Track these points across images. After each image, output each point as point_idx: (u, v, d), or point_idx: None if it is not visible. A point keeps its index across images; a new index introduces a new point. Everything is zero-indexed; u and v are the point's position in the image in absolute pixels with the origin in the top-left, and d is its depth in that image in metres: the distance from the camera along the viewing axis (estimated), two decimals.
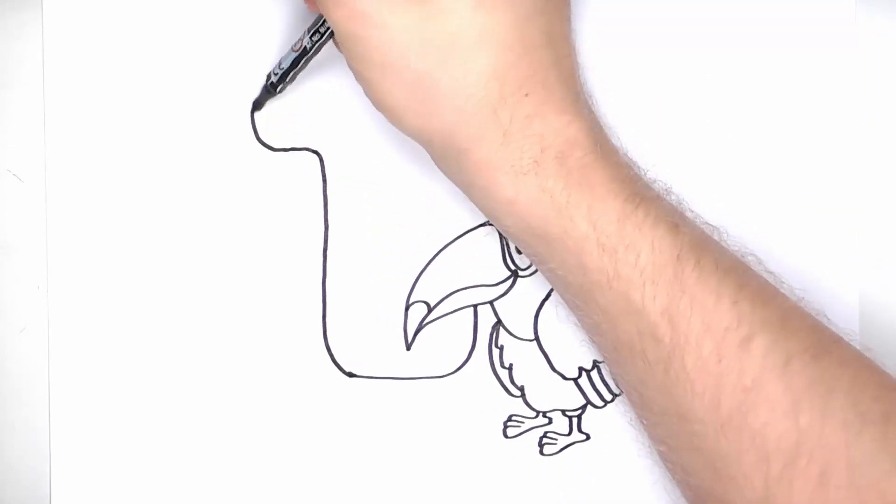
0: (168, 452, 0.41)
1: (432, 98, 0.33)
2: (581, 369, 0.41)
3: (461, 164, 0.34)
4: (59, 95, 0.41)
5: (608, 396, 0.42)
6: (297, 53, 0.38)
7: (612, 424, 0.42)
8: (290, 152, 0.42)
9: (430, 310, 0.41)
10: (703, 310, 0.32)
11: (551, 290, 0.41)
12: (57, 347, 0.41)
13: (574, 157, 0.33)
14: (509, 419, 0.42)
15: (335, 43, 0.37)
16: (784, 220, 0.41)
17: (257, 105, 0.41)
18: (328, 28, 0.37)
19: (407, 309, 0.42)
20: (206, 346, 0.41)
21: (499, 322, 0.42)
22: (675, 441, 0.34)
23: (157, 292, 0.41)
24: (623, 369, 0.35)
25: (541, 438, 0.42)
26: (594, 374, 0.41)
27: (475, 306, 0.42)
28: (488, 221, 0.42)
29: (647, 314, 0.33)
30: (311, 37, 0.37)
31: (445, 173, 0.36)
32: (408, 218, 0.42)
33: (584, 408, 0.42)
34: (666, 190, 0.36)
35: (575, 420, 0.42)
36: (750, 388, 0.32)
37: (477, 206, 0.36)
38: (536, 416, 0.42)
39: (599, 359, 0.41)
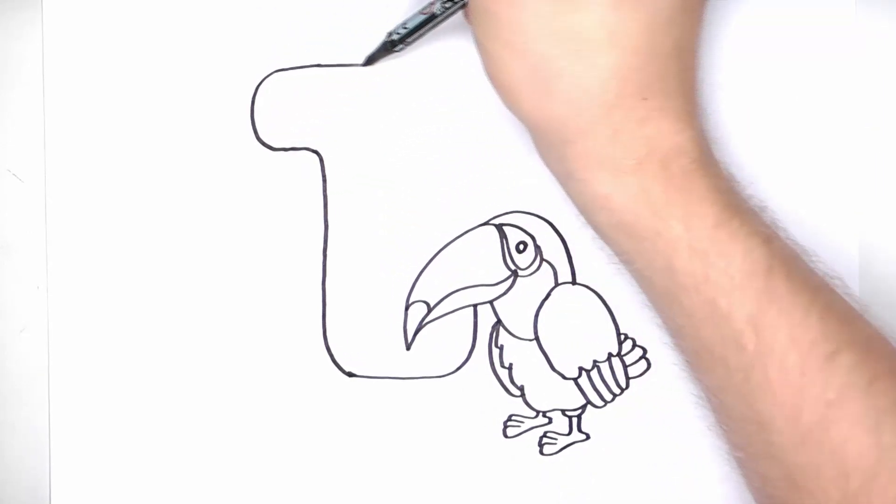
0: (168, 452, 0.41)
1: (551, 86, 0.33)
2: (581, 369, 0.41)
3: (564, 154, 0.34)
4: (59, 95, 0.41)
5: (608, 396, 0.42)
6: (424, 17, 0.38)
7: (612, 424, 0.42)
8: (290, 152, 0.42)
9: (429, 310, 0.41)
10: (791, 322, 0.32)
11: (551, 290, 0.42)
12: (57, 347, 0.41)
13: (678, 163, 0.33)
14: (509, 419, 0.42)
15: (465, 14, 0.37)
16: (783, 220, 0.41)
17: (370, 60, 0.41)
18: None
19: (407, 309, 0.42)
20: (206, 346, 0.41)
21: (499, 322, 0.42)
22: (752, 449, 0.34)
23: (157, 292, 0.41)
24: (704, 374, 0.35)
25: (541, 438, 0.42)
26: (594, 373, 0.41)
27: (475, 306, 0.42)
28: (488, 221, 0.42)
29: (732, 321, 0.33)
30: (442, 3, 0.37)
31: (544, 159, 0.36)
32: (408, 218, 0.42)
33: (583, 408, 0.42)
34: (761, 207, 0.36)
35: (575, 420, 0.42)
36: (833, 403, 0.32)
37: (570, 197, 0.36)
38: (536, 416, 0.42)
39: (599, 359, 0.41)
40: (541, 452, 0.42)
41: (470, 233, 0.42)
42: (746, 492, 0.41)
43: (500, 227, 0.42)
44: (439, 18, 0.38)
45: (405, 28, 0.39)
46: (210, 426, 0.41)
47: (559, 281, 0.42)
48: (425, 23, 0.39)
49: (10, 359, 0.42)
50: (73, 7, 0.41)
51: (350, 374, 0.42)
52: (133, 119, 0.41)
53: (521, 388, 0.42)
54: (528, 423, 0.42)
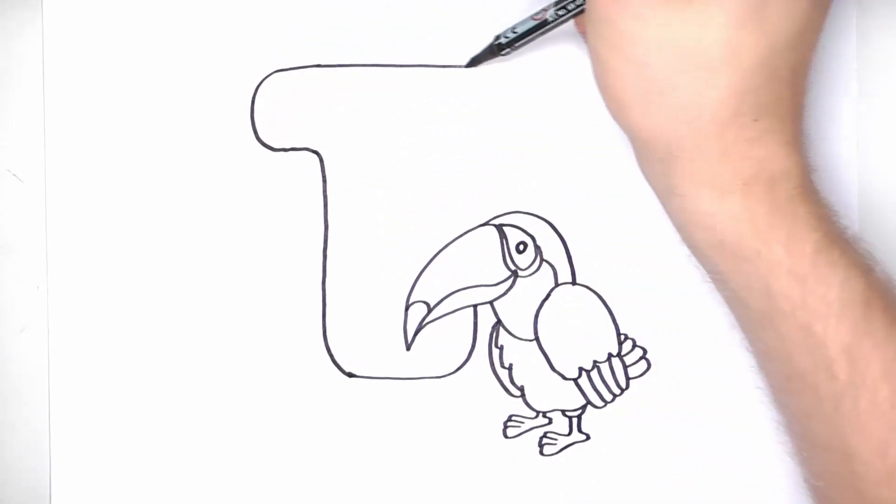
0: (168, 452, 0.41)
1: (664, 100, 0.33)
2: (581, 369, 0.41)
3: (669, 170, 0.34)
4: (59, 95, 0.41)
5: (608, 397, 0.42)
6: (536, 23, 0.38)
7: (612, 425, 0.42)
8: (290, 152, 0.42)
9: (430, 310, 0.41)
10: (885, 355, 0.32)
11: (551, 290, 0.41)
12: (57, 347, 0.41)
13: (784, 187, 0.33)
14: (509, 419, 0.42)
15: (577, 22, 0.37)
16: None
17: (474, 62, 0.41)
18: (578, 6, 0.37)
19: (407, 309, 0.42)
20: (206, 346, 0.41)
21: (499, 322, 0.42)
22: (834, 478, 0.34)
23: (157, 292, 0.41)
24: (790, 399, 0.35)
25: (541, 439, 0.42)
26: (594, 374, 0.41)
27: (475, 306, 0.42)
28: (488, 221, 0.42)
29: (827, 348, 0.32)
30: (556, 10, 0.37)
31: (645, 173, 0.36)
32: (408, 218, 0.42)
33: (584, 408, 0.42)
34: (857, 238, 0.36)
35: (575, 420, 0.42)
36: None
37: (668, 212, 0.36)
38: (536, 417, 0.42)
39: (599, 359, 0.41)
40: (541, 453, 0.42)
41: (470, 233, 0.42)
42: (746, 492, 0.41)
43: (500, 228, 0.42)
44: (551, 25, 0.38)
45: (514, 32, 0.39)
46: (210, 426, 0.41)
47: (559, 281, 0.42)
48: (535, 29, 0.38)
49: (10, 359, 0.42)
50: (73, 7, 0.41)
51: (350, 375, 0.42)
52: (133, 119, 0.41)
53: (521, 389, 0.42)
54: (528, 424, 0.42)
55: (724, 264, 0.34)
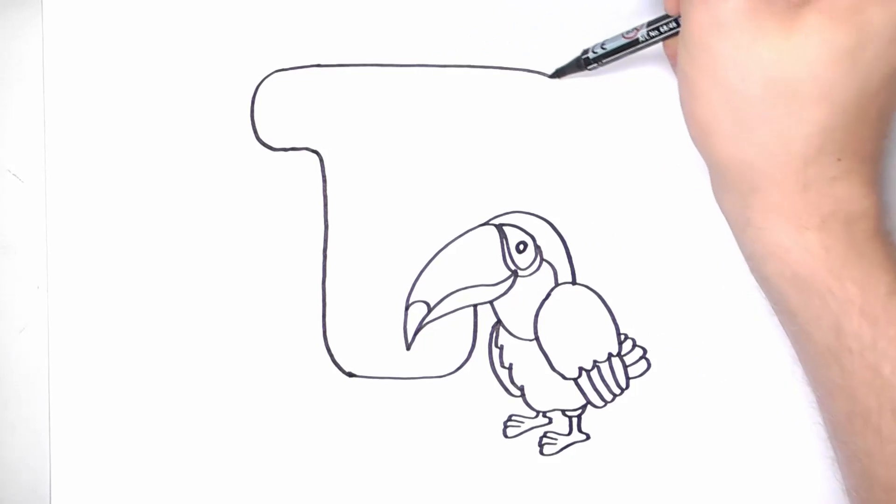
0: (168, 452, 0.41)
1: (750, 130, 0.33)
2: (581, 369, 0.41)
3: (747, 201, 0.34)
4: (59, 95, 0.41)
5: (608, 396, 0.42)
6: (626, 41, 0.38)
7: (612, 424, 0.42)
8: (290, 152, 0.42)
9: (430, 310, 0.41)
10: None
11: (551, 290, 0.41)
12: (57, 347, 0.41)
13: (860, 226, 0.33)
14: (509, 419, 0.42)
15: (666, 45, 0.37)
16: None
17: (559, 74, 0.41)
18: (671, 29, 0.37)
19: (407, 309, 0.42)
20: (206, 346, 0.41)
21: (499, 322, 0.42)
22: None
23: (156, 292, 0.41)
24: (851, 438, 0.35)
25: (541, 438, 0.42)
26: (594, 374, 0.41)
27: (475, 306, 0.42)
28: (488, 221, 0.42)
29: (894, 389, 0.33)
30: (648, 31, 0.37)
31: (720, 200, 0.36)
32: (408, 218, 0.42)
33: (583, 408, 0.42)
34: None
35: (575, 420, 0.42)
36: None
37: (741, 242, 0.36)
38: (536, 416, 0.42)
39: (599, 359, 0.41)
40: (541, 452, 0.42)
41: (470, 233, 0.42)
42: (745, 491, 0.41)
43: (500, 227, 0.42)
44: (641, 45, 0.38)
45: (603, 48, 0.39)
46: (210, 426, 0.41)
47: (559, 281, 0.42)
48: (625, 47, 0.38)
49: (10, 359, 0.42)
50: (73, 7, 0.41)
51: (350, 375, 0.42)
52: (133, 119, 0.41)
53: (521, 389, 0.42)
54: (528, 424, 0.42)
55: (795, 298, 0.34)
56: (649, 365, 0.42)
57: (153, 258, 0.41)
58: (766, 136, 0.33)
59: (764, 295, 0.36)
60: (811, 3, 0.31)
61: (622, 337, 0.42)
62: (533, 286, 0.42)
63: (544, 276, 0.42)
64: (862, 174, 0.33)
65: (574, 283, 0.42)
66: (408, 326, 0.42)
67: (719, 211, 0.41)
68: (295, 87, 0.41)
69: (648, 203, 0.42)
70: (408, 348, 0.42)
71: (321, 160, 0.42)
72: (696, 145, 0.35)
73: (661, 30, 0.37)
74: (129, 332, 0.41)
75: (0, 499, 0.42)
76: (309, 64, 0.42)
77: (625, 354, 0.42)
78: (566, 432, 0.42)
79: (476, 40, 0.42)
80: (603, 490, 0.42)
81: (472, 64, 0.42)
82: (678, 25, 0.35)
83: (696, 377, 0.42)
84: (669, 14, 0.37)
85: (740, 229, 0.35)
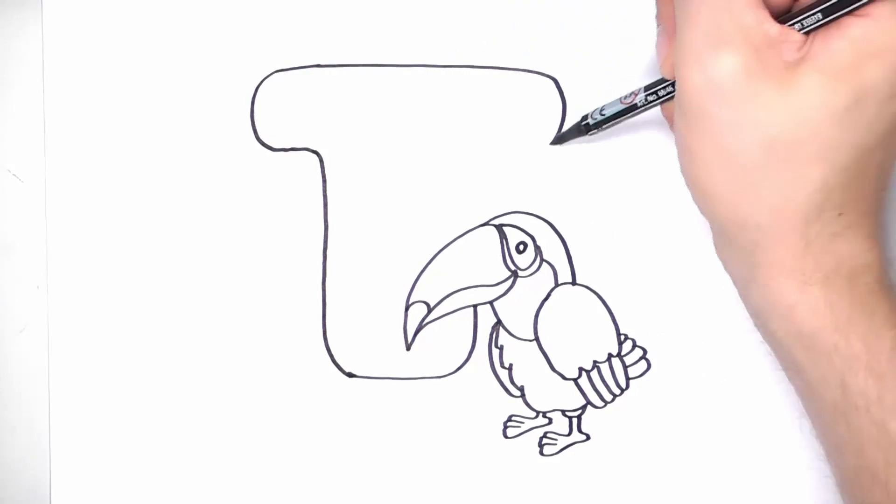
0: (168, 452, 0.41)
1: (751, 191, 0.33)
2: (581, 369, 0.41)
3: (750, 259, 0.34)
4: (59, 95, 0.41)
5: (608, 397, 0.42)
6: (625, 106, 0.38)
7: (612, 425, 0.42)
8: (290, 152, 0.42)
9: (429, 310, 0.41)
10: None
11: (551, 290, 0.41)
12: (57, 347, 0.41)
13: (864, 280, 0.33)
14: (509, 419, 0.42)
15: (663, 108, 0.37)
16: None
17: (560, 140, 0.41)
18: (669, 93, 0.36)
19: (407, 309, 0.42)
20: (206, 347, 0.41)
21: (499, 322, 0.42)
22: None
23: (156, 292, 0.41)
24: (860, 493, 0.35)
25: (541, 439, 0.42)
26: (594, 374, 0.41)
27: (475, 306, 0.42)
28: (488, 221, 0.42)
29: None
30: (646, 95, 0.37)
31: (723, 258, 0.36)
32: (408, 218, 0.42)
33: (583, 408, 0.42)
34: None
35: (575, 420, 0.42)
36: None
37: (745, 300, 0.36)
38: (536, 417, 0.42)
39: (599, 359, 0.41)
40: (541, 453, 0.42)
41: (470, 233, 0.42)
42: (745, 491, 0.41)
43: (500, 228, 0.42)
44: (640, 110, 0.38)
45: (602, 115, 0.39)
46: (210, 426, 0.41)
47: (559, 281, 0.42)
48: (624, 112, 0.38)
49: (10, 359, 0.42)
50: (73, 7, 0.41)
51: (350, 375, 0.42)
52: (133, 119, 0.41)
53: (521, 389, 0.42)
54: (528, 424, 0.42)
55: (801, 355, 0.34)
56: (649, 365, 0.42)
57: (153, 258, 0.41)
58: (767, 195, 0.32)
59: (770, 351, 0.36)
60: (808, 61, 0.31)
61: (622, 337, 0.42)
62: (533, 286, 0.42)
63: (544, 277, 0.41)
64: (864, 228, 0.33)
65: (574, 283, 0.42)
66: (408, 327, 0.42)
67: None
68: (295, 87, 0.41)
69: (649, 203, 0.42)
70: (408, 348, 0.42)
71: (321, 160, 0.42)
72: (698, 206, 0.35)
73: (659, 94, 0.37)
74: (129, 332, 0.41)
75: (0, 499, 0.42)
76: (309, 64, 0.42)
77: (625, 355, 0.42)
78: (566, 432, 0.42)
79: (477, 40, 0.42)
80: (603, 490, 0.42)
81: (472, 64, 0.42)
82: (674, 89, 0.35)
83: (696, 377, 0.42)
84: (666, 78, 0.36)
85: (744, 287, 0.35)
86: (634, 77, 0.41)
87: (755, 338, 0.41)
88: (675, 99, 0.34)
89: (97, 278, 0.41)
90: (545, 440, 0.42)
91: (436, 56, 0.42)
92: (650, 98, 0.37)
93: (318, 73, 0.42)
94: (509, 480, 0.42)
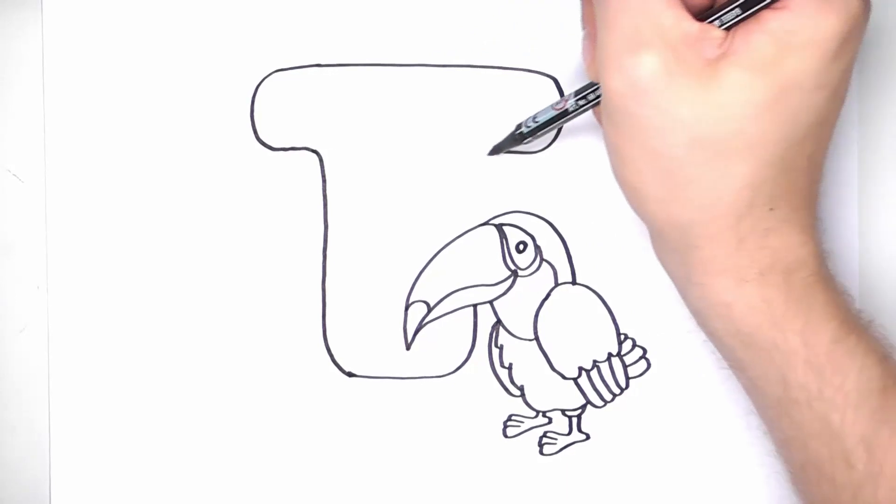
0: (168, 452, 0.41)
1: (681, 191, 0.33)
2: (581, 369, 0.41)
3: (685, 259, 0.34)
4: (59, 95, 0.41)
5: (608, 396, 0.42)
6: (556, 112, 0.38)
7: (612, 424, 0.42)
8: (290, 152, 0.42)
9: (429, 309, 0.41)
10: None
11: (551, 290, 0.41)
12: (57, 347, 0.41)
13: (799, 275, 0.33)
14: (509, 419, 0.42)
15: (595, 112, 0.37)
16: None
17: (497, 150, 0.41)
18: (598, 96, 0.36)
19: (407, 309, 0.42)
20: (206, 346, 0.41)
21: (498, 322, 0.42)
22: None
23: (157, 292, 0.41)
24: (808, 488, 0.35)
25: (541, 438, 0.42)
26: (594, 373, 0.41)
27: (475, 306, 0.42)
28: (488, 221, 0.42)
29: (844, 438, 0.32)
30: (576, 100, 0.37)
31: (661, 260, 0.36)
32: (408, 218, 0.42)
33: (583, 408, 0.42)
34: (869, 321, 0.35)
35: (575, 420, 0.42)
36: None
37: (685, 300, 0.36)
38: (536, 416, 0.42)
39: (599, 359, 0.41)
40: (541, 452, 0.42)
41: (470, 233, 0.42)
42: (745, 491, 0.41)
43: (500, 227, 0.42)
44: (571, 115, 0.38)
45: (535, 122, 0.39)
46: (210, 426, 0.41)
47: (559, 281, 0.42)
48: (556, 118, 0.38)
49: (10, 359, 0.42)
50: (73, 7, 0.41)
51: (350, 374, 0.42)
52: (133, 119, 0.41)
53: (521, 388, 0.42)
54: (528, 423, 0.42)
55: (742, 353, 0.34)
56: (649, 365, 0.42)
57: (153, 258, 0.41)
58: (697, 194, 0.32)
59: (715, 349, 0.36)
60: (729, 57, 0.31)
61: (622, 337, 0.42)
62: (533, 286, 0.42)
63: (544, 276, 0.42)
64: (797, 222, 0.33)
65: (574, 283, 0.42)
66: (408, 326, 0.42)
67: None
68: (295, 87, 0.41)
69: None
70: (408, 348, 0.42)
71: (321, 160, 0.42)
72: (631, 207, 0.35)
73: (588, 98, 0.37)
74: (129, 332, 0.41)
75: (0, 499, 0.42)
76: (309, 64, 0.42)
77: (625, 354, 0.42)
78: (566, 432, 0.42)
79: (476, 40, 0.42)
80: (603, 490, 0.42)
81: (472, 64, 0.42)
82: None
83: (696, 377, 0.42)
84: (593, 81, 0.36)
85: (682, 287, 0.35)
86: None
87: None
88: (600, 102, 0.34)
89: (97, 278, 0.41)
90: (545, 440, 0.42)
91: (436, 56, 0.42)
92: (580, 103, 0.37)
93: (318, 73, 0.42)
94: (509, 480, 0.42)
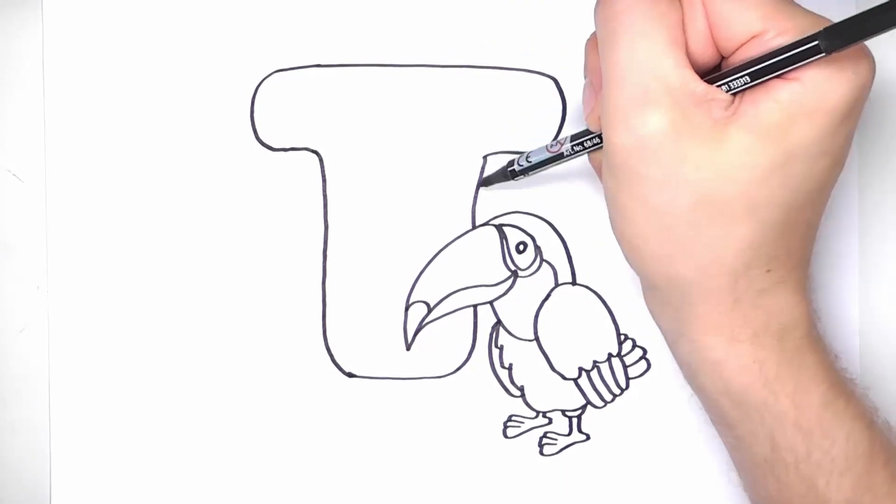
0: (168, 452, 0.41)
1: (680, 248, 0.32)
2: (581, 369, 0.41)
3: (680, 314, 0.34)
4: (59, 95, 0.41)
5: (608, 397, 0.42)
6: (551, 155, 0.38)
7: (612, 424, 0.42)
8: (290, 152, 0.42)
9: (429, 310, 0.41)
10: None
11: (551, 290, 0.41)
12: (57, 347, 0.41)
13: (791, 336, 0.33)
14: (509, 419, 0.42)
15: (591, 158, 0.37)
16: None
17: (486, 183, 0.41)
18: (595, 144, 0.36)
19: (407, 309, 0.42)
20: (206, 347, 0.41)
21: (499, 322, 0.42)
22: None
23: (156, 292, 0.41)
24: None
25: (541, 439, 0.42)
26: (594, 374, 0.41)
27: (475, 306, 0.42)
28: (488, 221, 0.42)
29: (828, 502, 0.33)
30: (573, 146, 0.37)
31: (653, 312, 0.36)
32: (408, 218, 0.42)
33: (583, 408, 0.42)
34: (858, 384, 0.36)
35: (575, 420, 0.42)
36: None
37: (676, 355, 0.36)
38: (536, 417, 0.42)
39: (599, 359, 0.41)
40: (541, 453, 0.42)
41: (470, 233, 0.42)
42: (746, 492, 0.41)
43: (500, 228, 0.42)
44: (566, 159, 0.37)
45: (528, 161, 0.39)
46: (210, 426, 0.41)
47: (559, 281, 0.42)
48: (550, 160, 0.38)
49: (10, 359, 0.42)
50: (73, 7, 0.41)
51: (350, 375, 0.42)
52: (133, 119, 0.41)
53: (521, 389, 0.42)
54: (528, 424, 0.42)
55: (731, 411, 0.34)
56: (649, 365, 0.42)
57: (153, 258, 0.41)
58: (696, 252, 0.32)
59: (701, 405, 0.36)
60: (736, 120, 0.31)
61: (622, 337, 0.42)
62: (533, 286, 0.42)
63: (544, 277, 0.42)
64: (791, 283, 0.33)
65: (574, 283, 0.42)
66: (408, 327, 0.42)
67: None
68: (295, 87, 0.41)
69: None
70: (408, 348, 0.42)
71: (321, 160, 0.42)
72: (627, 260, 0.34)
73: (585, 145, 0.36)
74: (129, 332, 0.41)
75: (0, 499, 0.42)
76: (309, 64, 0.42)
77: (625, 355, 0.42)
78: (566, 432, 0.42)
79: (477, 40, 0.42)
80: (603, 490, 0.42)
81: (472, 64, 0.42)
82: (601, 141, 0.34)
83: None
84: (591, 130, 0.36)
85: (673, 340, 0.35)
86: None
87: None
88: (603, 155, 0.33)
89: (97, 278, 0.41)
90: (545, 440, 0.42)
91: (436, 56, 0.42)
92: (577, 148, 0.37)
93: (318, 73, 0.42)
94: (509, 480, 0.42)
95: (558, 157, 0.38)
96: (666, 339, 0.36)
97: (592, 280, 0.42)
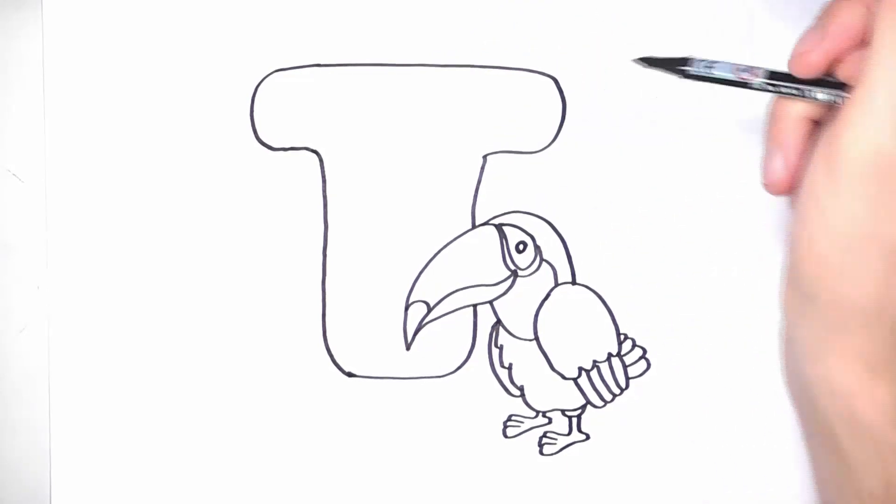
0: (168, 452, 0.41)
1: (873, 275, 0.32)
2: (581, 369, 0.41)
3: (830, 336, 0.33)
4: (59, 95, 0.41)
5: (608, 396, 0.42)
6: (734, 78, 0.34)
7: (612, 424, 0.42)
8: (290, 152, 0.42)
9: (429, 310, 0.41)
10: None
11: (551, 290, 0.41)
12: (57, 347, 0.41)
13: None
14: (509, 419, 0.42)
15: (781, 116, 0.34)
16: (781, 226, 0.41)
17: (648, 62, 0.36)
18: (791, 91, 0.33)
19: (407, 309, 0.42)
20: (206, 346, 0.41)
21: (498, 322, 0.42)
22: None
23: (156, 292, 0.41)
24: None
25: (540, 438, 0.42)
26: (594, 374, 0.41)
27: (475, 306, 0.42)
28: (488, 221, 0.42)
29: None
30: (764, 82, 0.34)
31: (793, 318, 0.35)
32: (407, 217, 0.42)
33: (583, 408, 0.42)
34: None
35: (574, 420, 0.42)
36: None
37: (799, 364, 0.35)
38: (536, 416, 0.42)
39: (599, 359, 0.41)
40: (541, 452, 0.42)
41: (469, 232, 0.42)
42: (745, 491, 0.41)
43: (499, 227, 0.42)
44: (749, 89, 0.34)
45: (708, 70, 0.35)
46: (210, 426, 0.41)
47: (559, 281, 0.42)
48: (731, 82, 0.35)
49: (10, 359, 0.42)
50: (73, 7, 0.41)
51: (350, 375, 0.42)
52: (133, 119, 0.41)
53: (521, 388, 0.42)
54: (528, 424, 0.42)
55: (845, 437, 0.33)
56: (649, 365, 0.42)
57: (153, 258, 0.41)
58: (885, 285, 0.32)
59: (793, 407, 0.36)
60: None
61: (622, 337, 0.42)
62: (533, 286, 0.42)
63: (544, 276, 0.42)
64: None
65: (574, 283, 0.42)
66: (407, 326, 0.42)
67: (719, 210, 0.41)
68: (295, 87, 0.41)
69: (648, 203, 0.42)
70: (407, 348, 0.42)
71: (321, 160, 0.42)
72: (794, 259, 0.33)
73: (782, 90, 0.34)
74: (129, 331, 0.41)
75: (0, 499, 0.42)
76: (309, 64, 0.42)
77: (624, 354, 0.42)
78: (566, 432, 0.42)
79: (477, 40, 0.42)
80: (603, 490, 0.42)
81: (472, 64, 0.42)
82: (802, 94, 0.33)
83: (696, 377, 0.42)
84: (799, 75, 0.33)
85: (805, 355, 0.34)
86: (635, 77, 0.41)
87: (755, 337, 0.41)
88: (836, 142, 0.31)
89: (97, 278, 0.41)
90: (545, 440, 0.42)
91: (436, 56, 0.42)
92: (768, 87, 0.34)
93: (318, 72, 0.42)
94: (509, 480, 0.42)
95: (741, 84, 0.34)
96: (792, 346, 0.35)
97: (592, 280, 0.42)
